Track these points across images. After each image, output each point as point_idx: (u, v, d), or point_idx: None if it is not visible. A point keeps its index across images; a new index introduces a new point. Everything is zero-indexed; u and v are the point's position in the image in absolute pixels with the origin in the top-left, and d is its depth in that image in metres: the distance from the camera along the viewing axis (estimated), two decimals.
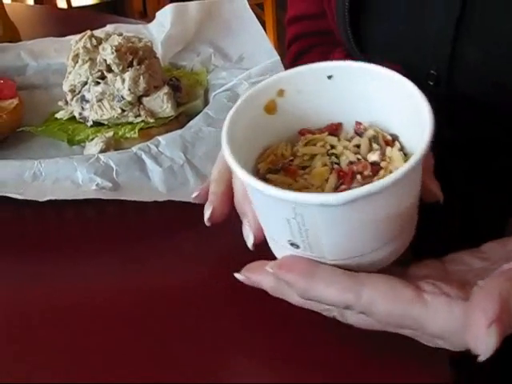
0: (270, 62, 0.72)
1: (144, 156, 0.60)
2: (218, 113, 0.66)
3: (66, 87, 0.69)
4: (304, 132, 0.46)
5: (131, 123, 0.66)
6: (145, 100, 0.67)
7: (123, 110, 0.66)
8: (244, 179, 0.38)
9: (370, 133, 0.44)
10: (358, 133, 0.45)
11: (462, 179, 0.66)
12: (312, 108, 0.46)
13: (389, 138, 0.43)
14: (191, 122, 0.65)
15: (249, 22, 0.82)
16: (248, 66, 0.73)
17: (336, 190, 0.41)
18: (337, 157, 0.43)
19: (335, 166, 0.42)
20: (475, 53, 0.60)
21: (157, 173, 0.59)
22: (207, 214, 0.48)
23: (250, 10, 0.83)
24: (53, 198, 0.55)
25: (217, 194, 0.48)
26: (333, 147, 0.44)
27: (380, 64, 0.44)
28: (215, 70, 0.75)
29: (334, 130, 0.46)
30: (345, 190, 0.40)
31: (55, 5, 2.82)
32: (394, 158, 0.42)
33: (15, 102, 0.72)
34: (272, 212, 0.40)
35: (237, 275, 0.44)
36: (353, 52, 0.69)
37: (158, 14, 0.85)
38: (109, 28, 0.85)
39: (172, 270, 0.53)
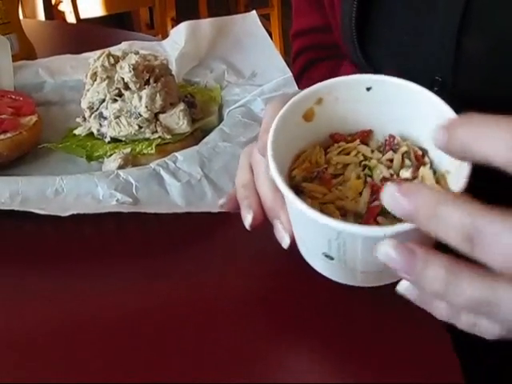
0: (282, 79, 0.73)
1: (162, 171, 0.62)
2: (232, 128, 0.68)
3: (84, 104, 0.71)
4: (336, 136, 0.48)
5: (148, 139, 0.68)
6: (161, 117, 0.68)
7: (140, 127, 0.68)
8: (292, 201, 0.40)
9: (403, 149, 0.46)
10: (392, 147, 0.47)
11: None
12: (346, 115, 0.48)
13: (419, 153, 0.45)
14: (207, 137, 0.67)
15: (261, 38, 0.84)
16: (261, 82, 0.75)
17: (369, 203, 0.43)
18: (370, 169, 0.45)
19: (368, 179, 0.44)
20: (480, 55, 0.61)
21: (175, 187, 0.61)
22: (248, 218, 0.49)
23: (262, 27, 0.85)
24: (75, 212, 0.57)
25: (250, 198, 0.49)
26: (365, 158, 0.46)
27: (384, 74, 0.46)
28: (228, 86, 0.77)
29: (365, 136, 0.48)
30: (379, 206, 0.42)
31: (64, 17, 2.85)
32: (426, 178, 0.44)
33: (34, 118, 0.73)
34: (313, 230, 0.42)
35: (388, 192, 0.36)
36: (358, 62, 0.70)
37: (171, 31, 0.87)
38: (124, 45, 0.87)
39: (190, 281, 0.55)
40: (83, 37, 1.17)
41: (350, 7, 0.66)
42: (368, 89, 0.47)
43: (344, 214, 0.43)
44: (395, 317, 0.49)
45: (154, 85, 0.68)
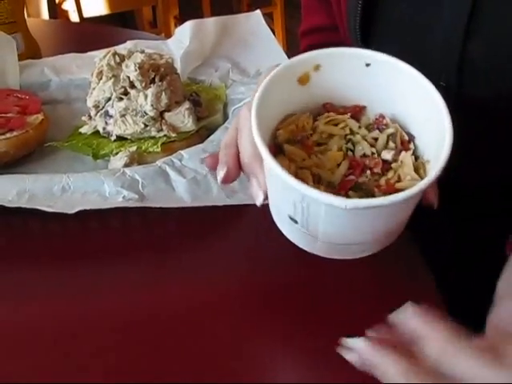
0: None
1: (168, 169, 0.62)
2: None
3: (90, 103, 0.71)
4: (328, 106, 0.48)
5: (154, 138, 0.69)
6: (167, 115, 0.69)
7: (146, 125, 0.68)
8: (265, 158, 0.41)
9: (390, 130, 0.46)
10: (379, 127, 0.47)
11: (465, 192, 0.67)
12: (342, 87, 0.48)
13: (406, 138, 0.46)
14: (212, 136, 0.68)
15: (265, 37, 0.84)
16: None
17: (345, 177, 0.44)
18: (353, 144, 0.45)
19: (349, 154, 0.45)
20: (484, 61, 0.61)
21: (181, 183, 0.61)
22: (221, 174, 0.49)
23: (266, 26, 0.86)
24: (82, 208, 0.57)
25: (228, 155, 0.50)
26: (352, 132, 0.46)
27: None
28: (233, 84, 0.77)
29: (358, 112, 0.48)
30: (353, 180, 0.43)
31: (67, 16, 2.86)
32: (406, 163, 0.44)
33: (40, 117, 0.74)
34: (281, 190, 0.42)
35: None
36: None
37: (176, 30, 0.88)
38: (129, 44, 0.87)
39: (195, 278, 0.55)
40: (88, 36, 1.17)
41: (354, 8, 0.66)
42: (367, 64, 0.47)
43: (318, 182, 0.44)
44: None
45: (160, 83, 0.68)
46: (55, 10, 2.70)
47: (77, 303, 0.54)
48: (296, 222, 0.43)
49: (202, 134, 0.71)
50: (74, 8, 2.82)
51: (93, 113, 0.72)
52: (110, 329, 0.51)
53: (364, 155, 0.45)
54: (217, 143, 0.66)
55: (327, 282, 0.53)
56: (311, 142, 0.46)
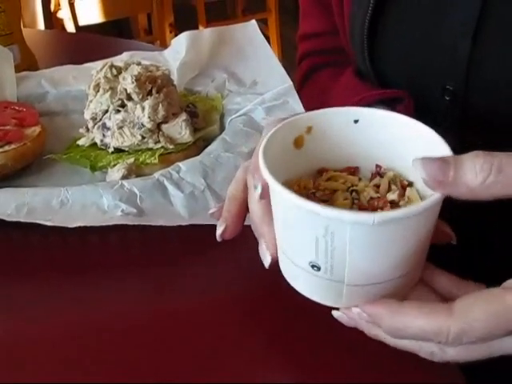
0: (282, 88, 0.74)
1: (166, 182, 0.62)
2: (234, 138, 0.69)
3: (87, 115, 0.72)
4: (323, 172, 0.48)
5: (151, 149, 0.69)
6: (164, 127, 0.69)
7: (143, 137, 0.69)
8: (283, 193, 0.40)
9: (390, 174, 0.46)
10: (379, 173, 0.47)
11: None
12: (334, 148, 0.48)
13: (405, 182, 0.46)
14: (209, 147, 0.68)
15: (261, 47, 0.84)
16: (261, 90, 0.76)
17: None
18: (357, 193, 0.45)
19: (356, 202, 0.44)
20: (493, 66, 0.61)
21: (179, 198, 0.61)
22: (219, 230, 0.50)
23: (262, 36, 0.86)
24: (81, 224, 0.58)
25: (231, 212, 0.50)
26: (353, 185, 0.46)
27: (388, 88, 0.47)
28: (230, 95, 0.78)
29: (352, 172, 0.48)
30: None
31: (62, 24, 2.86)
32: (412, 198, 0.44)
33: (38, 129, 0.74)
34: (301, 229, 0.41)
35: (334, 313, 0.45)
36: (364, 68, 0.70)
37: (173, 41, 0.88)
38: (125, 56, 0.88)
39: (193, 294, 0.56)
40: (83, 46, 1.18)
41: (362, 16, 0.66)
42: (356, 121, 0.48)
43: None
44: None
45: (157, 95, 0.69)
46: (50, 19, 2.70)
47: (76, 316, 0.54)
48: (319, 268, 0.41)
49: (199, 145, 0.71)
50: (69, 16, 2.83)
51: (90, 125, 0.72)
52: (109, 341, 0.51)
53: (371, 199, 0.45)
54: (214, 155, 0.66)
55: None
56: (316, 199, 0.45)
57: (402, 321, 0.39)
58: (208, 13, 3.23)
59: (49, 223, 0.58)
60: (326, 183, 0.46)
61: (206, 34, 0.86)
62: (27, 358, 0.50)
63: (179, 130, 0.69)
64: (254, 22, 0.87)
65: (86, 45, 1.21)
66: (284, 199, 0.40)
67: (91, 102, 0.72)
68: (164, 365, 0.48)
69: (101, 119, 0.71)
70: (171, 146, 0.69)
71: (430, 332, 0.38)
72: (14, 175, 0.70)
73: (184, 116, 0.70)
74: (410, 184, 0.46)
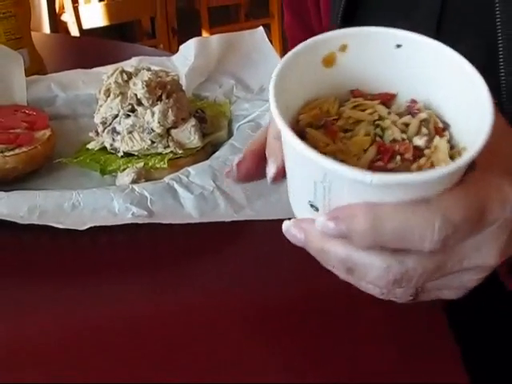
0: None
1: (176, 185, 0.64)
2: (243, 143, 0.70)
3: (97, 119, 0.73)
4: (356, 93, 0.44)
5: (160, 154, 0.70)
6: (173, 132, 0.70)
7: (153, 142, 0.70)
8: (283, 132, 0.38)
9: (423, 115, 0.42)
10: (411, 112, 0.43)
11: None
12: (371, 71, 0.44)
13: (440, 125, 0.42)
14: (218, 152, 0.69)
15: (268, 53, 0.86)
16: (269, 97, 0.77)
17: (372, 163, 0.39)
18: (382, 130, 0.41)
19: (377, 139, 0.41)
20: None
21: (189, 200, 0.63)
22: (271, 172, 0.44)
23: (269, 43, 0.87)
24: (92, 225, 0.59)
25: (275, 150, 0.44)
26: (381, 118, 0.42)
27: None
28: (238, 101, 0.79)
29: (388, 99, 0.44)
30: (381, 166, 0.39)
31: (66, 27, 2.88)
32: (440, 149, 0.40)
33: (48, 133, 0.75)
34: (301, 170, 0.40)
35: (285, 222, 0.41)
36: None
37: (181, 47, 0.90)
38: (134, 61, 0.89)
39: (199, 293, 0.57)
40: (90, 50, 1.19)
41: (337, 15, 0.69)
42: (398, 46, 0.43)
43: None
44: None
45: (167, 101, 0.70)
46: (55, 22, 2.71)
47: (87, 316, 0.55)
48: (317, 209, 0.40)
49: (207, 150, 0.72)
50: (73, 20, 2.84)
51: (100, 129, 0.73)
52: (120, 340, 0.52)
53: (394, 141, 0.41)
54: (222, 159, 0.68)
55: (329, 296, 0.55)
56: (336, 127, 0.41)
57: (380, 214, 0.36)
58: (211, 17, 3.25)
59: (60, 226, 0.59)
60: (352, 111, 0.43)
61: (214, 40, 0.87)
62: (38, 355, 0.51)
63: (188, 135, 0.70)
64: (261, 28, 0.89)
65: (92, 49, 1.22)
66: (287, 140, 0.38)
67: (101, 106, 0.73)
68: (175, 363, 0.49)
69: (111, 124, 0.72)
70: (180, 151, 0.70)
71: (414, 225, 0.36)
72: (23, 178, 0.72)
73: (193, 121, 0.71)
74: (445, 128, 0.42)
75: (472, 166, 0.37)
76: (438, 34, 0.63)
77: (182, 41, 3.13)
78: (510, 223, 0.38)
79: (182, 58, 0.88)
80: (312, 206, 0.40)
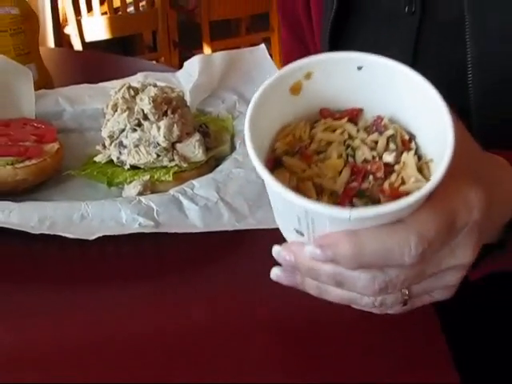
0: None
1: (181, 197, 0.66)
2: (245, 157, 0.73)
3: (104, 133, 0.75)
4: (324, 112, 0.47)
5: (166, 167, 0.73)
6: (178, 146, 0.73)
7: (158, 155, 0.72)
8: (262, 175, 0.40)
9: (389, 132, 0.45)
10: (378, 128, 0.46)
11: None
12: (336, 93, 0.47)
13: (406, 137, 0.45)
14: (221, 166, 0.72)
15: (269, 70, 0.89)
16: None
17: (347, 184, 0.43)
18: (353, 149, 0.44)
19: (350, 160, 0.44)
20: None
21: (194, 211, 0.65)
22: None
23: (271, 59, 0.90)
24: (100, 234, 0.61)
25: None
26: (350, 137, 0.45)
27: None
28: (240, 116, 0.82)
29: (355, 115, 0.47)
30: (355, 187, 0.42)
31: (69, 40, 2.91)
32: (408, 165, 0.43)
33: (56, 145, 0.78)
34: (284, 206, 0.43)
35: (275, 247, 0.45)
36: None
37: (185, 63, 0.92)
38: (140, 76, 0.92)
39: (203, 302, 0.59)
40: (96, 64, 1.22)
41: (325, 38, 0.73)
42: (359, 68, 0.46)
43: (320, 192, 0.43)
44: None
45: (172, 116, 0.73)
46: (59, 35, 2.75)
47: (90, 322, 0.57)
48: (302, 234, 0.43)
49: (210, 163, 0.75)
50: (76, 32, 2.88)
51: (107, 143, 0.75)
52: (125, 348, 0.54)
53: (365, 160, 0.44)
54: (225, 172, 0.70)
55: (328, 311, 0.56)
56: (310, 151, 0.45)
57: (361, 239, 0.39)
58: (212, 31, 3.29)
59: (70, 236, 0.61)
60: (323, 134, 0.46)
61: (218, 57, 0.90)
62: (45, 363, 0.53)
63: (193, 149, 0.73)
64: (263, 46, 0.92)
65: (97, 63, 1.25)
66: (266, 181, 0.40)
67: (109, 120, 0.75)
68: (178, 369, 0.51)
69: (118, 137, 0.74)
70: (185, 165, 0.72)
71: (393, 245, 0.39)
72: (32, 189, 0.74)
73: (197, 136, 0.74)
74: (411, 138, 0.45)
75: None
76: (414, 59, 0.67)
77: (183, 54, 3.17)
78: (478, 225, 0.42)
79: (187, 75, 0.91)
80: (297, 231, 0.43)
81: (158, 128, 0.72)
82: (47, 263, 0.64)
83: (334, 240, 0.40)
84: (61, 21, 2.99)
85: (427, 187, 0.38)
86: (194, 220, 0.65)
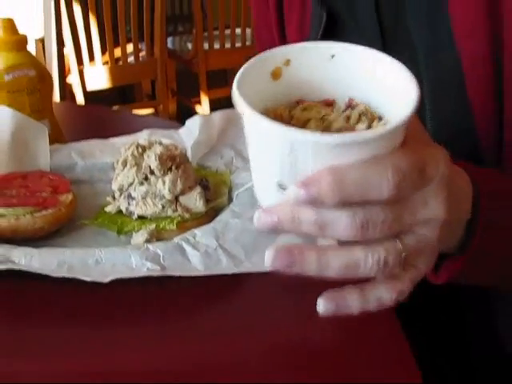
0: None
1: (184, 245, 0.74)
2: (241, 208, 0.81)
3: (114, 186, 0.84)
4: (301, 103, 0.51)
5: (170, 217, 0.81)
6: (181, 198, 0.81)
7: (163, 207, 0.81)
8: (250, 115, 0.43)
9: (361, 107, 0.49)
10: (351, 105, 0.50)
11: None
12: (312, 81, 0.51)
13: (376, 115, 0.49)
14: (220, 216, 0.81)
15: None
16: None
17: None
18: (329, 122, 0.48)
19: (326, 130, 0.48)
20: None
21: (196, 256, 0.73)
22: None
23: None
24: (113, 278, 0.69)
25: None
26: (326, 115, 0.49)
27: None
28: (237, 171, 0.91)
29: (329, 104, 0.51)
30: None
31: (71, 89, 3.01)
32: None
33: (70, 196, 0.86)
34: (267, 151, 0.45)
35: (255, 214, 0.46)
36: None
37: (187, 121, 1.01)
38: (146, 133, 1.01)
39: (204, 343, 0.65)
40: (104, 119, 1.30)
41: None
42: (332, 56, 0.50)
43: None
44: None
45: (176, 171, 0.81)
46: (64, 85, 2.84)
47: (103, 360, 0.62)
48: (285, 187, 0.45)
49: (210, 214, 0.83)
50: (78, 81, 2.97)
51: (117, 195, 0.84)
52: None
53: (340, 130, 0.47)
54: (224, 222, 0.79)
55: (327, 347, 0.63)
56: (291, 125, 0.47)
57: (342, 171, 0.42)
58: (209, 79, 3.39)
59: (87, 279, 0.69)
60: (301, 113, 0.49)
61: (216, 115, 0.99)
62: None
63: (194, 201, 0.81)
64: None
65: (102, 117, 1.34)
66: (255, 122, 0.44)
67: (118, 175, 0.84)
68: None
69: (127, 190, 0.83)
70: (187, 215, 0.81)
71: (372, 175, 0.43)
72: (48, 236, 0.81)
73: (198, 189, 0.82)
74: (380, 118, 0.49)
75: (407, 138, 0.46)
76: None
77: (180, 102, 3.25)
78: (445, 180, 0.47)
79: (188, 132, 0.99)
80: (280, 186, 0.45)
81: (164, 182, 0.80)
82: (60, 302, 0.71)
83: (317, 177, 0.43)
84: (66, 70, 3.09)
85: (402, 118, 0.43)
86: (196, 265, 0.72)
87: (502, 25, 0.63)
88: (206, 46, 3.29)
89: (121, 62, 3.08)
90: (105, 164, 0.95)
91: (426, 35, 0.71)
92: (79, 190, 0.92)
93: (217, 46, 3.32)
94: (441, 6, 0.67)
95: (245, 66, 0.48)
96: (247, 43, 3.35)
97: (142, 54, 3.16)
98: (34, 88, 1.05)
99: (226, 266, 0.72)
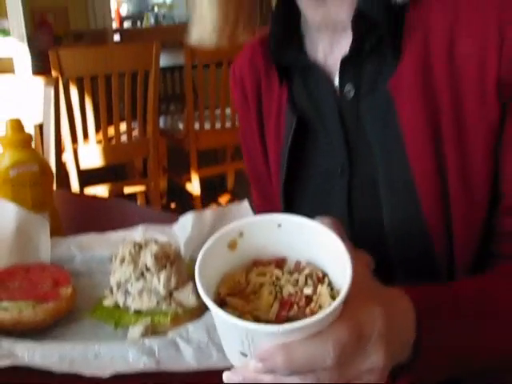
0: None
1: (178, 339, 0.80)
2: None
3: (112, 282, 0.89)
4: (257, 263, 0.61)
5: (164, 312, 0.86)
6: (175, 293, 0.87)
7: (158, 302, 0.86)
8: (211, 308, 0.53)
9: (307, 271, 0.59)
10: (298, 270, 0.60)
11: None
12: (264, 246, 0.62)
13: (320, 275, 0.58)
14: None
15: None
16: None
17: (278, 314, 0.56)
18: (280, 287, 0.58)
19: (278, 296, 0.57)
20: (365, 227, 0.82)
21: (188, 351, 0.79)
22: None
23: (252, 213, 1.06)
24: (114, 372, 0.74)
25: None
26: (278, 278, 0.59)
27: None
28: None
29: (280, 262, 0.61)
30: (284, 316, 0.55)
31: (65, 167, 3.07)
32: (322, 294, 0.57)
33: (70, 289, 0.91)
34: (230, 333, 0.56)
35: (224, 373, 0.58)
36: None
37: (180, 218, 1.08)
38: (141, 229, 1.07)
39: None
40: (100, 210, 1.37)
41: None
42: (279, 225, 0.61)
43: (258, 322, 0.54)
44: None
45: (170, 268, 0.87)
46: (60, 163, 2.89)
47: None
48: (245, 355, 0.55)
49: (202, 308, 0.89)
50: (72, 159, 3.04)
51: (114, 289, 0.89)
52: None
53: (290, 294, 0.57)
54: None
55: None
56: (247, 292, 0.58)
57: (291, 349, 0.52)
58: (200, 158, 3.45)
59: (87, 374, 0.74)
60: (256, 278, 0.59)
61: (208, 213, 1.06)
62: None
63: (187, 296, 0.87)
64: (246, 203, 1.08)
65: (101, 208, 1.40)
66: (215, 313, 0.54)
67: (116, 271, 0.89)
68: None
69: (124, 285, 0.88)
70: (180, 310, 0.86)
71: (316, 350, 0.52)
72: (47, 328, 0.86)
73: (191, 284, 0.88)
74: (325, 275, 0.59)
75: (347, 300, 0.54)
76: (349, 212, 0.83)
77: (171, 179, 3.29)
78: (383, 333, 0.55)
79: (182, 227, 1.06)
80: (242, 354, 0.55)
81: (159, 279, 0.87)
82: None
83: (271, 352, 0.52)
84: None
85: (335, 304, 0.52)
86: (189, 358, 0.78)
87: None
88: (196, 125, 3.35)
89: (114, 141, 3.15)
90: (102, 256, 1.02)
91: (381, 152, 0.79)
92: (78, 281, 0.97)
93: (207, 126, 3.39)
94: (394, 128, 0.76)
95: (205, 246, 0.59)
96: (237, 123, 3.44)
97: (135, 133, 3.21)
98: (36, 181, 1.11)
99: (217, 361, 0.78)
